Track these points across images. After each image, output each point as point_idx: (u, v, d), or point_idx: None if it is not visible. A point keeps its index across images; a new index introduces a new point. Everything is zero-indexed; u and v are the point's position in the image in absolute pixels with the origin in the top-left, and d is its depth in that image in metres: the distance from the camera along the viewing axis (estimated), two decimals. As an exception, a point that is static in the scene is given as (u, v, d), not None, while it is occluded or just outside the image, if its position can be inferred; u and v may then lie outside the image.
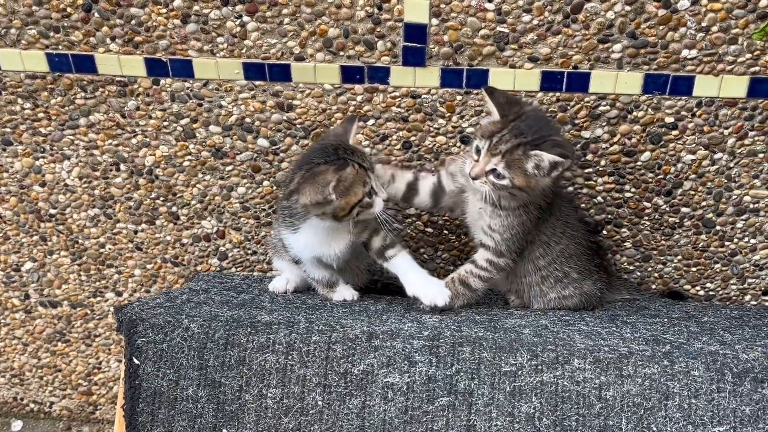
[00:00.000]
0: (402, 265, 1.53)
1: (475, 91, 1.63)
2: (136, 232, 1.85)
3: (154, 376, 1.38)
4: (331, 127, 1.68)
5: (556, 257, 1.58)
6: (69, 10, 1.61)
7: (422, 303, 1.49)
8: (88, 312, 1.96)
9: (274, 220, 1.77)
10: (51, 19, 1.62)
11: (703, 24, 1.53)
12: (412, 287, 1.51)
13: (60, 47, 1.65)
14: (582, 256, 1.61)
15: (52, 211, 1.83)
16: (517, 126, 1.42)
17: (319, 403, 1.34)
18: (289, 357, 1.35)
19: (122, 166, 1.77)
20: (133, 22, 1.61)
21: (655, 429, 1.27)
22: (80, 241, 1.87)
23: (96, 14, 1.61)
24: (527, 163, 1.41)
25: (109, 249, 1.88)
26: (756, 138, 1.62)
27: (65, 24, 1.62)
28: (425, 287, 1.50)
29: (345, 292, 1.62)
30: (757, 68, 1.56)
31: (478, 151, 1.45)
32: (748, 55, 1.55)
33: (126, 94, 1.69)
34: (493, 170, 1.43)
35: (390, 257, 1.53)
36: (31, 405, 2.10)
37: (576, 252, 1.60)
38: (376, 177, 1.49)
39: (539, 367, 1.31)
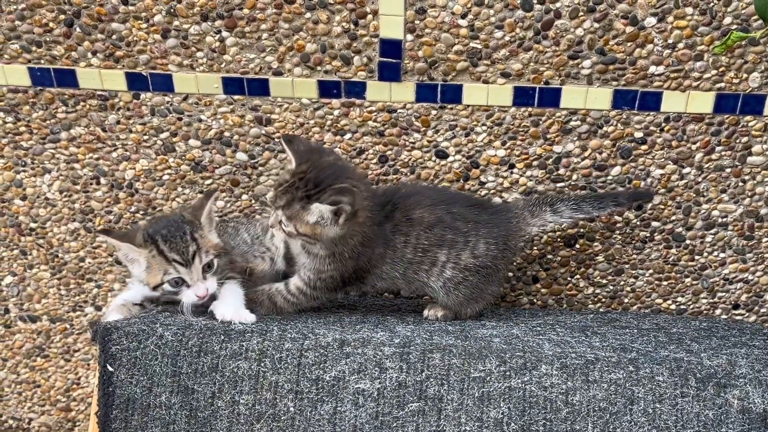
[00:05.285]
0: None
1: (449, 106, 1.67)
2: (116, 245, 1.87)
3: (127, 383, 1.39)
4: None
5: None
6: (51, 25, 1.64)
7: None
8: (68, 326, 1.97)
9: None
10: (33, 33, 1.65)
11: (670, 41, 1.57)
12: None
13: (42, 61, 1.68)
14: None
15: (33, 225, 1.85)
16: (297, 182, 1.45)
17: (291, 409, 1.35)
18: (262, 364, 1.37)
19: (102, 180, 1.79)
20: (114, 37, 1.64)
21: (620, 433, 1.29)
22: (60, 255, 1.88)
23: (78, 29, 1.64)
24: (308, 216, 1.44)
25: (89, 263, 1.89)
26: (722, 153, 1.66)
27: (47, 39, 1.65)
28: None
29: None
30: (722, 84, 1.60)
31: None
32: (714, 71, 1.59)
33: (107, 108, 1.72)
34: (281, 221, 1.48)
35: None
36: (10, 422, 2.10)
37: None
38: (199, 273, 1.47)
39: (507, 373, 1.33)
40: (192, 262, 1.46)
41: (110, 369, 1.39)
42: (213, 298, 1.51)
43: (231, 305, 1.48)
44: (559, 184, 1.72)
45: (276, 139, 1.72)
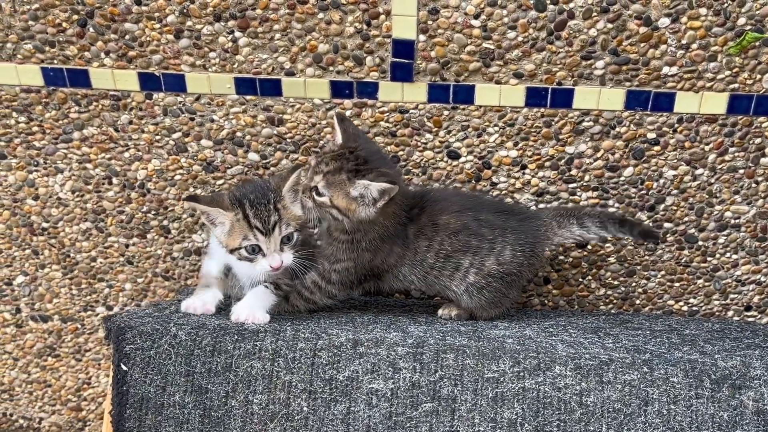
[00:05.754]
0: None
1: (462, 107, 1.67)
2: (127, 245, 1.87)
3: (141, 382, 1.39)
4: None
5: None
6: (64, 25, 1.64)
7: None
8: (79, 326, 1.97)
9: None
10: (47, 33, 1.65)
11: (683, 41, 1.57)
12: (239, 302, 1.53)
13: (55, 62, 1.68)
14: None
15: (45, 225, 1.85)
16: (347, 154, 1.48)
17: (305, 409, 1.35)
18: (275, 363, 1.37)
19: (114, 180, 1.79)
20: (127, 37, 1.65)
21: (634, 434, 1.29)
22: (72, 254, 1.88)
23: (91, 29, 1.64)
24: (351, 188, 1.46)
25: (101, 263, 1.89)
26: (736, 154, 1.66)
27: (60, 39, 1.66)
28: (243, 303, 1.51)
29: None
30: (736, 85, 1.60)
31: None
32: (728, 72, 1.59)
33: (119, 108, 1.72)
34: (315, 187, 1.49)
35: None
36: (21, 421, 2.11)
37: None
38: (277, 244, 1.47)
39: (521, 373, 1.33)
40: (272, 232, 1.46)
41: (124, 368, 1.40)
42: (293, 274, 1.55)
43: (248, 307, 1.48)
44: (571, 185, 1.72)
45: (287, 140, 1.72)
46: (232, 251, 1.48)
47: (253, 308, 1.48)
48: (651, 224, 1.74)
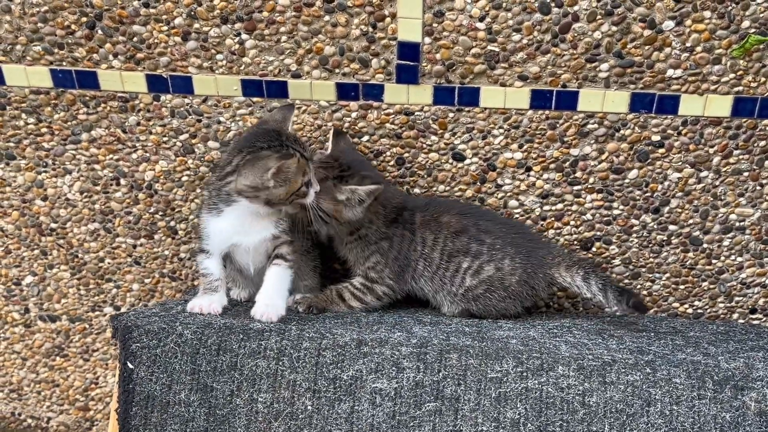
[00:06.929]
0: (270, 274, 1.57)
1: (467, 109, 1.68)
2: (134, 246, 1.88)
3: (147, 381, 1.40)
4: (268, 112, 1.71)
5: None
6: (73, 27, 1.66)
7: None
8: (87, 326, 1.98)
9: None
10: (55, 35, 1.67)
11: (688, 44, 1.57)
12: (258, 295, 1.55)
13: (64, 63, 1.70)
14: None
15: (53, 225, 1.87)
16: (332, 162, 1.59)
17: (309, 407, 1.36)
18: (280, 363, 1.38)
19: (122, 181, 1.81)
20: (135, 39, 1.66)
21: (637, 434, 1.29)
22: (80, 255, 1.90)
23: (99, 31, 1.66)
24: (338, 193, 1.56)
25: (108, 263, 1.91)
26: (740, 157, 1.66)
27: (69, 41, 1.67)
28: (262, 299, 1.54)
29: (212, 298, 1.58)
30: (740, 88, 1.60)
31: None
32: (732, 75, 1.59)
33: (127, 110, 1.73)
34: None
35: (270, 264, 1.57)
36: (29, 420, 2.12)
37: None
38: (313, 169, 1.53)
39: (524, 373, 1.34)
40: (312, 161, 1.54)
41: (130, 366, 1.41)
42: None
43: (264, 304, 1.51)
44: (575, 187, 1.72)
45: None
46: (288, 197, 1.48)
47: (267, 304, 1.52)
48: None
